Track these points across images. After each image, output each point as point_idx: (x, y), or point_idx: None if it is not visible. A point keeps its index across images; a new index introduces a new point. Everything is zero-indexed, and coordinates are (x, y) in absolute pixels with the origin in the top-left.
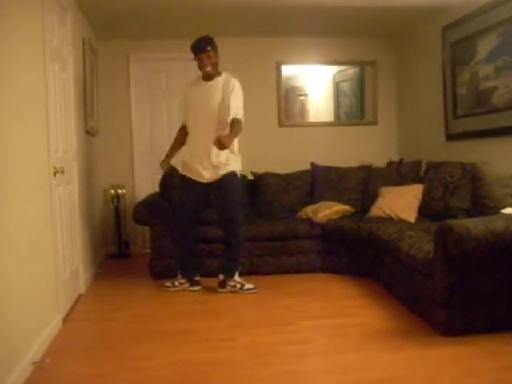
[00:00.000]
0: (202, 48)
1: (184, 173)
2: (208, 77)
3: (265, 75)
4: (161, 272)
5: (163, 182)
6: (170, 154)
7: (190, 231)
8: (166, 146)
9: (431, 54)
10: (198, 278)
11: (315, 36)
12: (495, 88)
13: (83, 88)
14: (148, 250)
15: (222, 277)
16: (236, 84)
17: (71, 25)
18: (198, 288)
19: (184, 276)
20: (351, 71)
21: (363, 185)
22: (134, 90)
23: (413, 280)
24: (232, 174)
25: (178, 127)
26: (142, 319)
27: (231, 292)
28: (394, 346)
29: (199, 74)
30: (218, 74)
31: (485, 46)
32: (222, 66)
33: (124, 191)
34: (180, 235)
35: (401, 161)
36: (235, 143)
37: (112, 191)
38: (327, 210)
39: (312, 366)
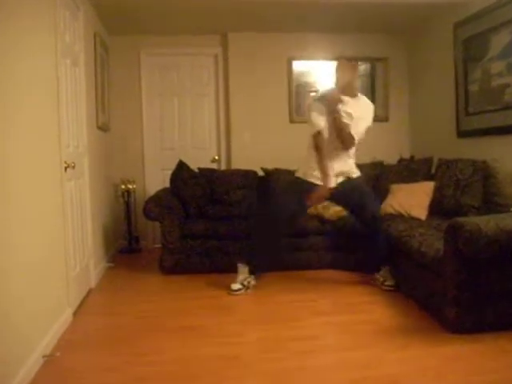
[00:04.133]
0: (355, 61)
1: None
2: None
3: (276, 71)
4: (171, 267)
5: (174, 178)
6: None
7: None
8: (177, 141)
9: (443, 50)
10: None
11: (326, 32)
12: (507, 85)
13: (94, 83)
14: (158, 245)
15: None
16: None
17: (83, 20)
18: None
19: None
20: (362, 67)
21: (374, 181)
22: (144, 86)
23: (423, 277)
24: None
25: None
26: (151, 314)
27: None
28: (402, 343)
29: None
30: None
31: (497, 43)
32: (235, 61)
33: (134, 186)
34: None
35: (412, 158)
36: None
37: (123, 186)
38: (337, 207)
39: (320, 362)
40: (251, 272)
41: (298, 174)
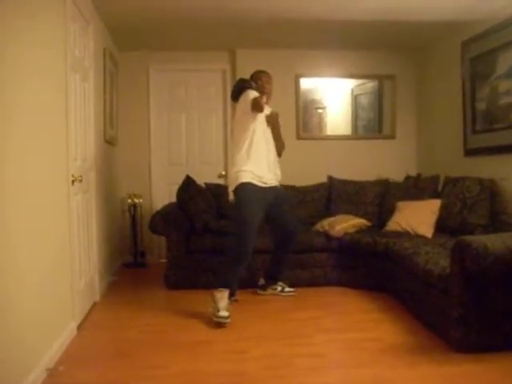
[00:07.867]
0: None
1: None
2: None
3: (283, 88)
4: (176, 282)
5: (181, 192)
6: None
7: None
8: (184, 156)
9: (451, 68)
10: None
11: (334, 49)
12: None
13: (103, 98)
14: (164, 260)
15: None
16: None
17: (93, 36)
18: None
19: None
20: (370, 85)
21: (380, 199)
22: (153, 101)
23: (429, 295)
24: None
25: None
26: (156, 329)
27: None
28: (408, 362)
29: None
30: None
31: (505, 61)
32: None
33: (141, 201)
34: (248, 250)
35: (418, 175)
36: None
37: (129, 200)
38: (344, 224)
39: (326, 380)
40: (231, 294)
41: (248, 180)
